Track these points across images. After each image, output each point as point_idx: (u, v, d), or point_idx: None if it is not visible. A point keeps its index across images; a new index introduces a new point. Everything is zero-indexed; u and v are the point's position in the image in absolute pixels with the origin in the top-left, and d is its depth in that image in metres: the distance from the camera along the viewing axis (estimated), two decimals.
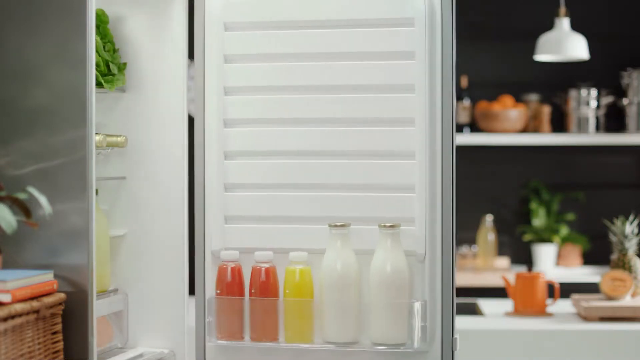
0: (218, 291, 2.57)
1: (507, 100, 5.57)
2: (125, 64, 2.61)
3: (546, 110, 5.57)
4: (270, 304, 2.54)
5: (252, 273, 2.56)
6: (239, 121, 2.63)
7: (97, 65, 2.46)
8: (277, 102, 2.61)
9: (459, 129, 5.43)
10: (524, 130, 5.59)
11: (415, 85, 2.54)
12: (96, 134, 2.33)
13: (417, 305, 2.50)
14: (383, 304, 2.50)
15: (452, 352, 2.53)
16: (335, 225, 2.53)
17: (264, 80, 2.62)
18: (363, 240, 2.56)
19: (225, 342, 2.57)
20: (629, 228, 3.93)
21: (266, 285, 2.55)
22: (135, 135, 2.61)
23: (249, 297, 2.56)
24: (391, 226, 2.51)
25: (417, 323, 2.50)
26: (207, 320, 2.57)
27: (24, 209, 2.04)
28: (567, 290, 4.39)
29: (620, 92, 5.58)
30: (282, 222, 2.60)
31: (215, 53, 2.59)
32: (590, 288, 4.51)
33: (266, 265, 2.55)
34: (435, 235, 2.53)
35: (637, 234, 3.97)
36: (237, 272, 2.57)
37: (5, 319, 1.93)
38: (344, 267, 2.52)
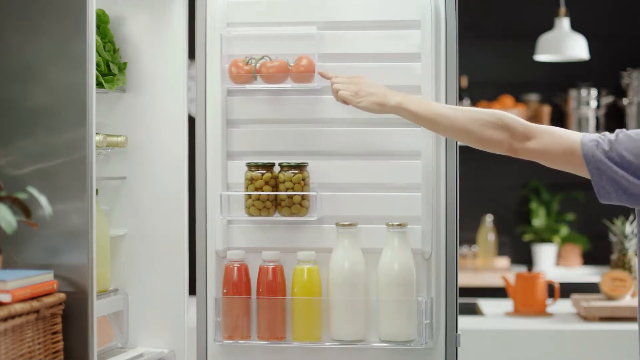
0: (225, 290, 2.57)
1: (507, 100, 5.57)
2: (125, 63, 2.61)
3: (546, 110, 5.57)
4: (278, 303, 2.55)
5: (259, 272, 2.57)
6: (242, 121, 2.63)
7: (98, 65, 2.46)
8: (282, 103, 2.61)
9: None
10: None
11: (421, 86, 2.54)
12: (96, 134, 2.33)
13: (424, 303, 2.51)
14: (391, 301, 2.52)
15: (456, 349, 2.55)
16: (343, 225, 2.54)
17: None
18: (370, 239, 2.57)
19: (231, 341, 2.57)
20: (629, 228, 3.93)
21: (274, 284, 2.55)
22: (135, 135, 2.61)
23: (256, 296, 2.57)
24: (399, 225, 2.52)
25: (424, 320, 2.51)
26: (215, 319, 2.57)
27: (24, 209, 2.04)
28: (567, 290, 4.39)
29: (620, 92, 5.58)
30: (287, 222, 2.60)
31: (218, 53, 2.59)
32: (590, 288, 4.51)
33: (273, 265, 2.56)
34: (440, 234, 2.54)
35: (637, 234, 3.97)
36: (243, 272, 2.57)
37: (5, 319, 1.93)
38: (352, 266, 2.53)
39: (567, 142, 2.26)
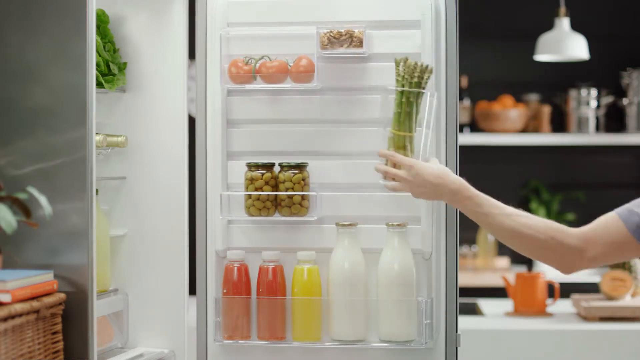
0: (225, 290, 2.57)
1: (507, 100, 5.57)
2: (125, 63, 2.61)
3: (546, 110, 5.57)
4: (278, 303, 2.55)
5: (259, 272, 2.57)
6: (242, 121, 2.63)
7: (98, 65, 2.46)
8: (282, 103, 2.61)
9: (459, 129, 5.42)
10: (524, 130, 5.59)
11: None
12: (96, 134, 2.33)
13: (424, 303, 2.52)
14: (391, 301, 2.52)
15: (456, 349, 2.55)
16: (343, 225, 2.54)
17: None
18: (370, 239, 2.57)
19: (231, 341, 2.57)
20: None
21: (273, 284, 2.56)
22: (135, 135, 2.61)
23: (256, 296, 2.57)
24: (399, 225, 2.52)
25: (424, 320, 2.51)
26: (215, 319, 2.57)
27: (24, 209, 2.04)
28: (567, 290, 4.39)
29: (620, 92, 5.58)
30: (287, 222, 2.60)
31: (218, 53, 2.59)
32: (590, 288, 4.50)
33: (273, 265, 2.56)
34: (440, 234, 2.54)
35: None
36: (243, 272, 2.58)
37: (5, 319, 1.93)
38: (352, 266, 2.53)
39: (613, 229, 2.20)
